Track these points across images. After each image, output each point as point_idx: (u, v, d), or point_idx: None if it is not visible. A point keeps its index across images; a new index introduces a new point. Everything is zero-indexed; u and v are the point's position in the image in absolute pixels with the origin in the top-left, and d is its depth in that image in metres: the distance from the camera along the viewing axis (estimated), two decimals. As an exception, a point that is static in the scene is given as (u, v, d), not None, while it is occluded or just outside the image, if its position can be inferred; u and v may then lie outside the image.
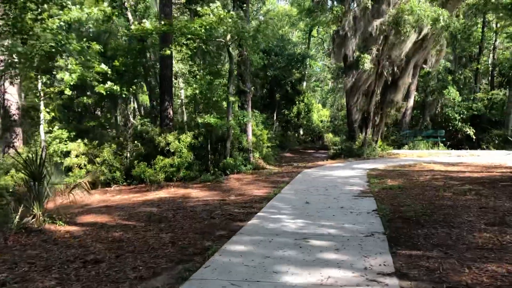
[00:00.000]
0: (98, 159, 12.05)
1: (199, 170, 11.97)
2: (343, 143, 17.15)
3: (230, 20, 11.08)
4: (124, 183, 12.14)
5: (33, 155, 6.10)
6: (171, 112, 13.32)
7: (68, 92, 11.01)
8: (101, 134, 16.50)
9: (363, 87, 16.91)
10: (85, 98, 13.51)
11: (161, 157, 11.79)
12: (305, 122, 26.81)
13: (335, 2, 19.82)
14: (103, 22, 18.32)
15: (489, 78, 25.82)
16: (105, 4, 15.43)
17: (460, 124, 21.91)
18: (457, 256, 4.03)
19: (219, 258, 4.19)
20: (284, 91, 25.91)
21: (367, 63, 15.13)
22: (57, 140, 12.63)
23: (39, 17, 7.98)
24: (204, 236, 5.18)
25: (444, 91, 21.68)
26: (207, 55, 14.97)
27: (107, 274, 3.88)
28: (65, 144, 12.35)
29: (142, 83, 16.86)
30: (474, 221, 5.37)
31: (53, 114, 11.34)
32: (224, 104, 13.30)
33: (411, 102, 20.29)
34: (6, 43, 9.83)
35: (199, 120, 11.96)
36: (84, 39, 10.72)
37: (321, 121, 28.03)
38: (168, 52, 11.16)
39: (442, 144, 19.31)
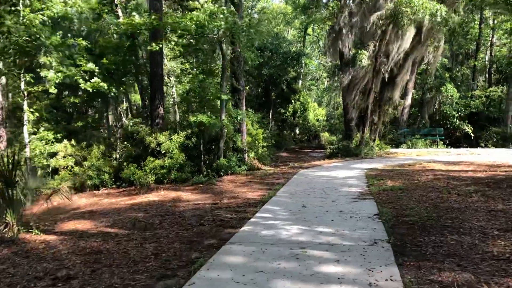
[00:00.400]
0: (86, 163, 11.54)
1: (192, 171, 11.50)
2: (340, 142, 16.76)
3: (221, 15, 10.62)
4: (114, 186, 11.65)
5: (7, 157, 5.61)
6: (163, 111, 12.84)
7: (53, 90, 10.52)
8: (91, 135, 16.00)
9: (360, 84, 16.50)
10: (72, 97, 12.97)
11: (151, 159, 11.31)
12: (301, 121, 26.43)
13: (330, -1, 19.46)
14: (94, 21, 17.83)
15: (486, 75, 25.54)
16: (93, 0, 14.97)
17: (458, 122, 21.61)
18: (472, 268, 3.60)
19: (205, 273, 3.74)
20: (279, 90, 25.51)
21: (364, 60, 14.73)
22: (43, 142, 12.12)
23: (13, 8, 7.47)
24: (192, 246, 4.73)
25: (442, 88, 21.36)
26: (199, 53, 14.48)
27: (79, 293, 3.43)
28: (51, 146, 11.83)
29: (133, 82, 16.31)
30: (485, 226, 4.96)
31: (37, 114, 10.79)
32: (218, 103, 12.85)
33: (408, 100, 19.93)
34: None
35: (191, 119, 11.48)
36: (69, 35, 10.20)
37: (317, 120, 27.63)
38: (156, 47, 10.68)
39: (441, 143, 18.95)
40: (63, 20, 17.91)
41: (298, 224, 5.45)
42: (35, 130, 11.68)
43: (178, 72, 16.16)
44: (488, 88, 23.36)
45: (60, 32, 10.26)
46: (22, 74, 10.38)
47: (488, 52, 25.12)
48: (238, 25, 10.70)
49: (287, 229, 5.22)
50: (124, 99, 21.55)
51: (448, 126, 21.65)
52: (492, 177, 8.96)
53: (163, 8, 15.50)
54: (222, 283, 3.48)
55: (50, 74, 10.16)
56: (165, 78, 20.36)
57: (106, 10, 16.50)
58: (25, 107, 10.47)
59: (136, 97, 22.55)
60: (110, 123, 19.12)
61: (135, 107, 22.79)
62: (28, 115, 10.50)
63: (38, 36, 8.29)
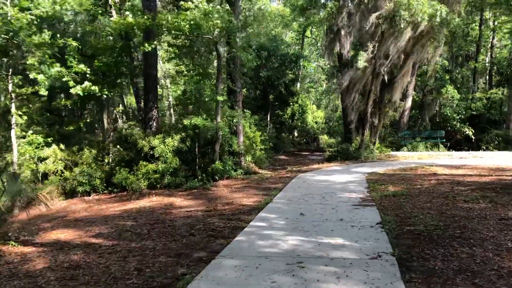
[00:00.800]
0: (76, 169, 11.15)
1: (186, 176, 11.11)
2: (339, 145, 16.38)
3: (216, 14, 10.26)
4: (105, 191, 11.26)
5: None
6: (157, 114, 12.46)
7: (43, 93, 10.13)
8: (85, 139, 15.60)
9: (359, 86, 16.15)
10: (63, 99, 12.58)
11: (144, 163, 10.93)
12: (299, 124, 26.07)
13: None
14: (89, 23, 17.47)
15: (487, 77, 25.24)
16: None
17: (458, 124, 21.26)
18: (488, 287, 3.23)
19: (191, 293, 3.37)
20: (277, 92, 25.18)
21: (363, 61, 14.38)
22: (33, 146, 11.73)
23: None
24: (179, 259, 4.34)
25: (442, 90, 21.03)
26: (195, 54, 14.12)
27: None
28: (41, 150, 11.44)
29: (128, 84, 15.94)
30: (497, 237, 4.59)
31: (25, 117, 10.40)
32: (214, 105, 12.48)
33: (409, 102, 19.58)
34: None
35: (185, 122, 11.10)
36: (58, 35, 9.84)
37: (316, 123, 27.29)
38: (149, 47, 10.31)
39: (442, 145, 18.59)
40: (59, 22, 17.65)
41: (295, 234, 5.08)
42: (24, 134, 11.28)
43: (173, 74, 15.80)
44: (489, 90, 23.04)
45: (49, 32, 9.89)
46: (10, 76, 9.98)
47: (489, 53, 24.83)
48: (234, 24, 10.35)
49: (284, 240, 4.84)
50: (119, 102, 21.20)
51: (449, 128, 21.30)
52: (498, 181, 8.60)
53: (159, 9, 15.20)
54: (209, 306, 3.10)
55: (40, 76, 9.79)
56: (161, 80, 20.05)
57: (100, 11, 16.18)
58: (13, 109, 10.07)
59: (132, 100, 22.20)
60: (106, 126, 18.75)
61: (131, 110, 22.42)
62: (16, 118, 10.10)
63: (17, 34, 7.90)
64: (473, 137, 20.80)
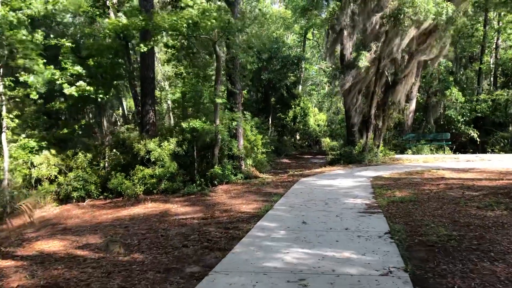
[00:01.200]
0: (71, 174, 10.78)
1: (184, 180, 10.72)
2: (342, 148, 15.96)
3: (215, 13, 9.90)
4: (101, 197, 10.88)
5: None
6: (154, 117, 12.10)
7: (34, 96, 9.80)
8: (82, 142, 15.23)
9: (363, 87, 15.77)
10: (58, 102, 12.23)
11: (141, 167, 10.56)
12: (301, 127, 25.69)
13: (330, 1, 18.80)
14: (88, 25, 17.16)
15: (491, 78, 24.79)
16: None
17: (463, 126, 20.80)
18: (519, 312, 2.82)
19: (178, 318, 2.96)
20: (279, 95, 24.82)
21: (367, 61, 13.97)
22: (27, 150, 11.37)
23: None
24: (169, 275, 3.94)
25: (446, 92, 20.59)
26: (193, 54, 13.75)
27: None
28: (34, 154, 11.08)
29: (124, 86, 15.58)
30: (520, 249, 4.17)
31: (17, 120, 10.04)
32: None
33: (413, 104, 19.15)
34: None
35: (184, 125, 10.71)
36: (51, 35, 9.50)
37: (318, 125, 26.89)
38: (144, 48, 9.96)
39: (448, 148, 18.12)
40: (57, 24, 17.34)
41: (297, 246, 4.67)
42: (15, 137, 10.93)
43: (172, 75, 15.45)
44: (494, 91, 22.58)
45: (42, 32, 9.55)
46: (0, 78, 9.65)
47: (493, 54, 24.39)
48: (233, 24, 9.98)
49: (284, 253, 4.43)
50: (118, 105, 20.87)
51: (453, 131, 20.85)
52: (511, 186, 8.17)
53: (157, 10, 14.86)
54: (197, 335, 2.70)
55: (31, 79, 9.45)
56: (161, 83, 19.71)
57: (98, 13, 15.87)
58: (4, 112, 9.73)
59: (133, 103, 21.86)
60: (106, 129, 18.38)
61: (130, 114, 22.08)
62: (7, 122, 9.75)
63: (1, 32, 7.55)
64: (478, 140, 20.34)
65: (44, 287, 3.74)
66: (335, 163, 14.84)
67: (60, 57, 10.76)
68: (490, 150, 19.27)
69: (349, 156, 14.76)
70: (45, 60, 9.23)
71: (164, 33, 11.04)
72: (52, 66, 9.95)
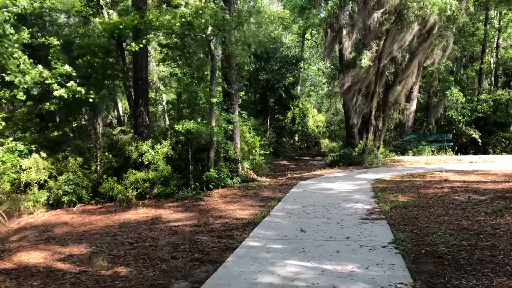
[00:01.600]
0: (61, 177, 10.39)
1: (178, 184, 10.33)
2: (341, 149, 15.62)
3: (209, 11, 9.55)
4: (92, 201, 10.50)
5: None
6: (147, 118, 11.71)
7: (20, 97, 9.42)
8: (75, 145, 14.85)
9: (362, 88, 15.40)
10: (47, 104, 11.83)
11: (133, 171, 10.17)
12: (300, 128, 25.36)
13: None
14: (82, 25, 16.80)
15: (492, 78, 24.48)
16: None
17: (464, 127, 20.47)
18: None
19: None
20: (277, 96, 24.46)
21: (367, 60, 13.62)
22: (16, 153, 10.98)
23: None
24: (153, 293, 3.58)
25: (447, 92, 20.27)
26: (189, 56, 13.38)
27: None
28: (24, 158, 10.69)
29: (117, 87, 15.19)
30: (538, 261, 3.81)
31: (3, 123, 9.67)
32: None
33: (414, 104, 18.80)
34: None
35: (177, 127, 10.34)
36: (39, 34, 9.12)
37: (317, 127, 26.57)
38: (136, 47, 9.59)
39: (449, 149, 17.78)
40: (51, 24, 16.98)
41: (294, 258, 4.30)
42: (1, 140, 10.55)
43: (167, 76, 15.07)
44: (495, 91, 22.26)
45: (29, 30, 9.18)
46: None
47: (494, 54, 24.08)
48: (228, 21, 9.62)
49: (280, 266, 4.07)
50: (113, 107, 20.49)
51: (454, 131, 20.52)
52: (518, 189, 7.83)
53: (150, 8, 14.51)
54: None
55: (17, 79, 9.06)
56: (156, 84, 19.32)
57: (91, 12, 15.52)
58: (-10, 115, 9.37)
59: (127, 104, 21.48)
60: (101, 131, 17.99)
61: (126, 115, 21.70)
62: (-7, 124, 9.39)
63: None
64: (479, 140, 20.01)
65: (13, 309, 3.37)
66: (335, 165, 14.50)
67: (49, 57, 10.37)
68: (491, 150, 18.95)
69: (349, 158, 14.42)
70: (31, 60, 8.83)
71: (157, 32, 10.67)
72: (40, 66, 9.56)
